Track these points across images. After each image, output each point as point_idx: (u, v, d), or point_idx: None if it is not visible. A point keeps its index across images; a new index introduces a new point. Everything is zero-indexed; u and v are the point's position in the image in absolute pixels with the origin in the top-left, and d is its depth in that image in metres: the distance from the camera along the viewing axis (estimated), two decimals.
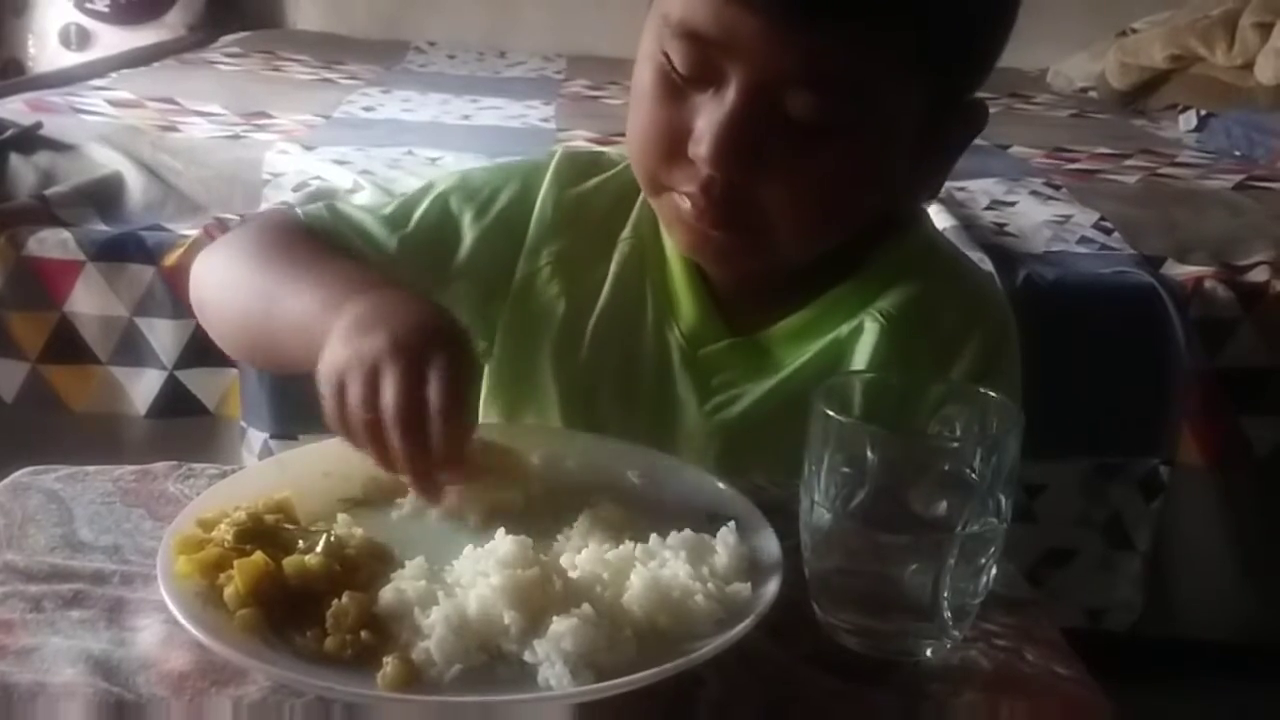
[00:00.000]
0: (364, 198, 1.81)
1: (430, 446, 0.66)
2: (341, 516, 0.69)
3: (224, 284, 0.89)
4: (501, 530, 0.63)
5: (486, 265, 0.94)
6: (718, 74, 0.78)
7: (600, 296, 0.94)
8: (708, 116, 0.78)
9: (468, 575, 0.61)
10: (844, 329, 0.90)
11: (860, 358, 0.89)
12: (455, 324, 0.73)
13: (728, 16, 0.75)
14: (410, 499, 0.71)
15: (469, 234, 0.94)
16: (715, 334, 0.92)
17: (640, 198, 0.95)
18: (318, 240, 0.90)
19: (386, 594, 0.61)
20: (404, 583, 0.61)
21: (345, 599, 0.59)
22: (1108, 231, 1.93)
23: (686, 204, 0.82)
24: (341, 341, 0.70)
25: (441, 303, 0.93)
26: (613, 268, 0.94)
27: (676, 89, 0.80)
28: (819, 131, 0.77)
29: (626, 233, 0.95)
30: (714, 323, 0.92)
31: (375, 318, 0.71)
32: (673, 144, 0.81)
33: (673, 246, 0.92)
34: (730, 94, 0.77)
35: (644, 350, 0.93)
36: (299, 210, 0.95)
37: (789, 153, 0.78)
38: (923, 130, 0.82)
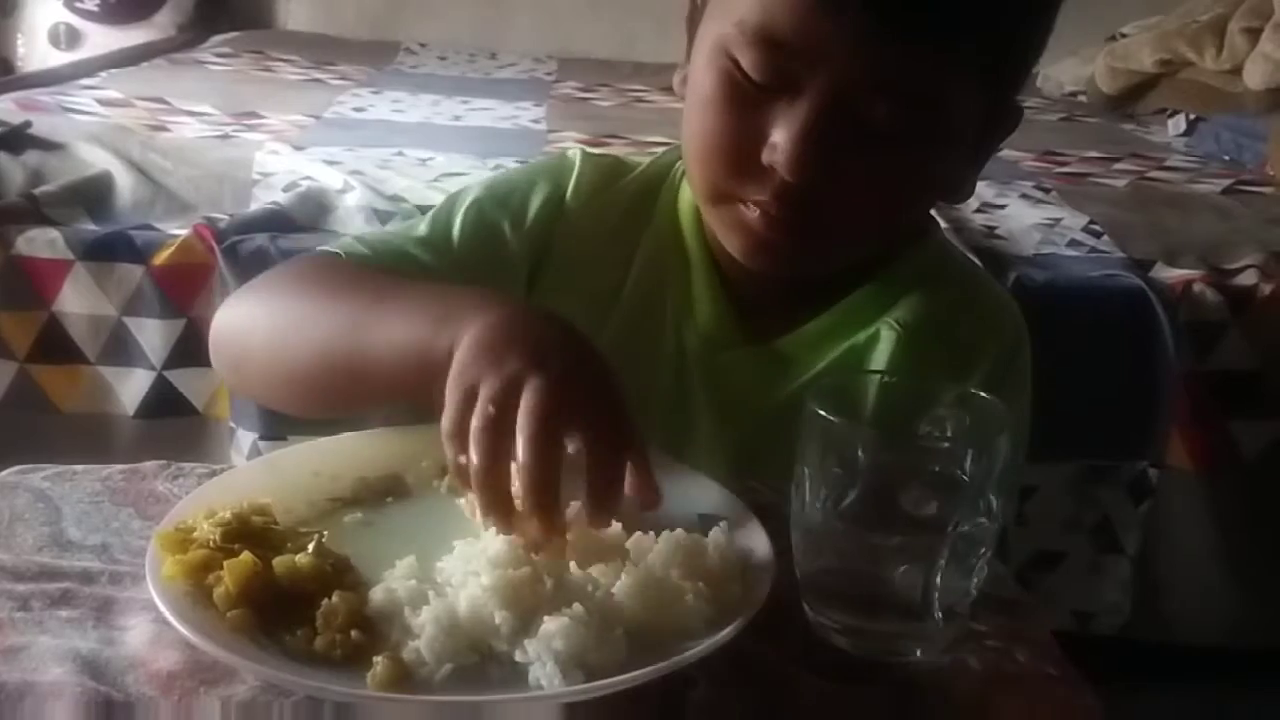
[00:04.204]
0: (354, 198, 1.80)
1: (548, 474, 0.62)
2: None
3: (281, 325, 0.83)
4: (492, 530, 0.63)
5: (526, 270, 0.94)
6: (793, 81, 0.77)
7: (619, 298, 0.94)
8: (785, 124, 0.78)
9: (458, 575, 0.61)
10: (860, 337, 0.91)
11: (876, 367, 0.89)
12: (588, 346, 0.69)
13: (813, 24, 0.75)
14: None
15: (512, 242, 0.93)
16: (732, 337, 0.92)
17: (660, 198, 0.95)
18: (382, 270, 0.85)
19: (377, 594, 0.61)
20: (394, 582, 0.61)
21: (335, 598, 0.59)
22: (1097, 235, 1.94)
23: (754, 212, 0.82)
24: (473, 353, 0.66)
25: None
26: (632, 270, 0.94)
27: (747, 96, 0.80)
28: (891, 138, 0.78)
29: (647, 234, 0.95)
30: (731, 326, 0.92)
31: (506, 333, 0.67)
32: (743, 152, 0.80)
33: (694, 248, 0.92)
34: (809, 101, 0.77)
35: (662, 353, 0.93)
36: (332, 248, 0.90)
37: (862, 160, 0.78)
38: (975, 134, 0.83)
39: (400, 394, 0.74)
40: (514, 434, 0.62)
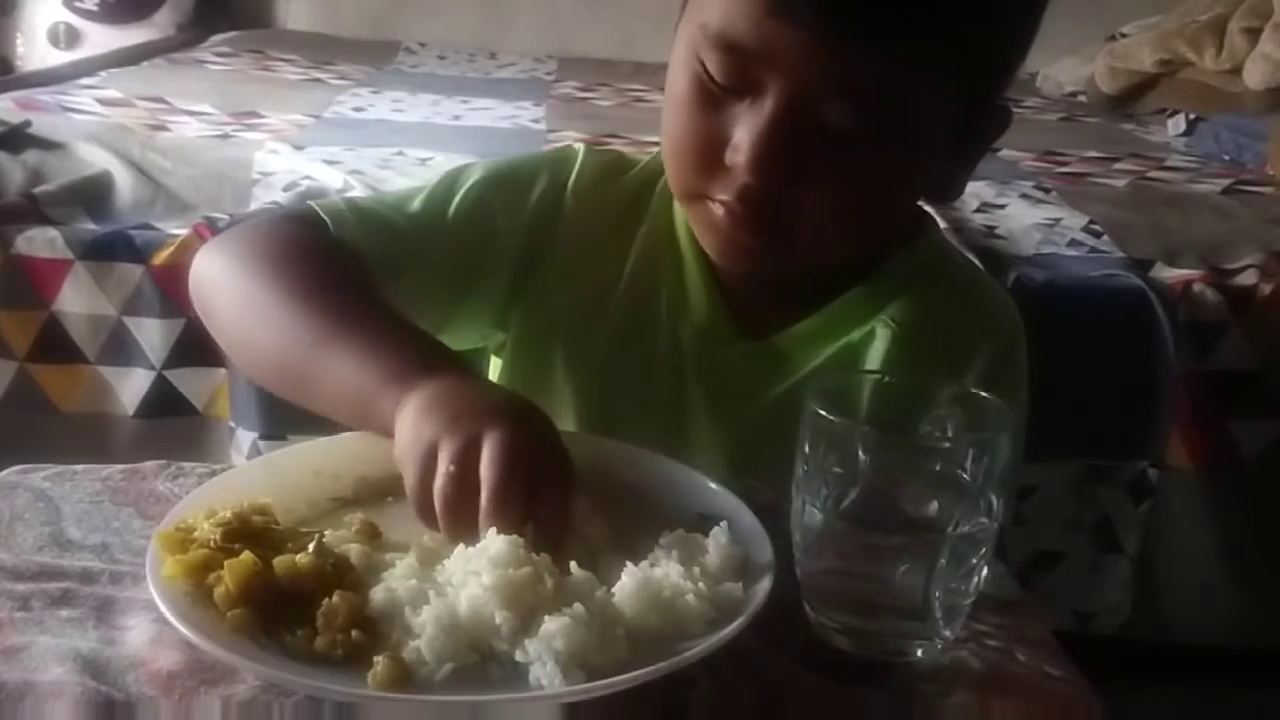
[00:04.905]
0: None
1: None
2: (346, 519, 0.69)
3: (245, 302, 0.83)
4: (493, 530, 0.63)
5: (517, 260, 0.94)
6: (755, 84, 0.78)
7: (615, 295, 0.94)
8: (746, 125, 0.78)
9: (459, 574, 0.61)
10: (855, 335, 0.91)
11: (871, 365, 0.89)
12: (532, 406, 0.71)
13: (768, 29, 0.75)
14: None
15: (504, 229, 0.93)
16: (727, 334, 0.93)
17: (656, 195, 0.95)
18: (355, 272, 0.85)
19: (377, 593, 0.61)
20: (394, 582, 0.61)
21: (336, 598, 0.59)
22: (1097, 234, 1.94)
23: (721, 211, 0.82)
24: (423, 421, 0.68)
25: (472, 300, 0.93)
26: (628, 266, 0.94)
27: (713, 97, 0.80)
28: (855, 141, 0.78)
29: (643, 230, 0.95)
30: (725, 323, 0.92)
31: (453, 400, 0.69)
32: (709, 152, 0.81)
33: (688, 245, 0.92)
34: (768, 103, 0.77)
35: (657, 350, 0.94)
36: (319, 209, 0.90)
37: (825, 161, 0.78)
38: (953, 136, 0.83)
39: (337, 420, 0.76)
40: (477, 488, 0.64)
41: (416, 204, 0.93)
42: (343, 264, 0.86)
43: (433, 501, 0.65)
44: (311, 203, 0.92)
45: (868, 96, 0.76)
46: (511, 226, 0.93)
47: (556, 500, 0.65)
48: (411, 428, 0.68)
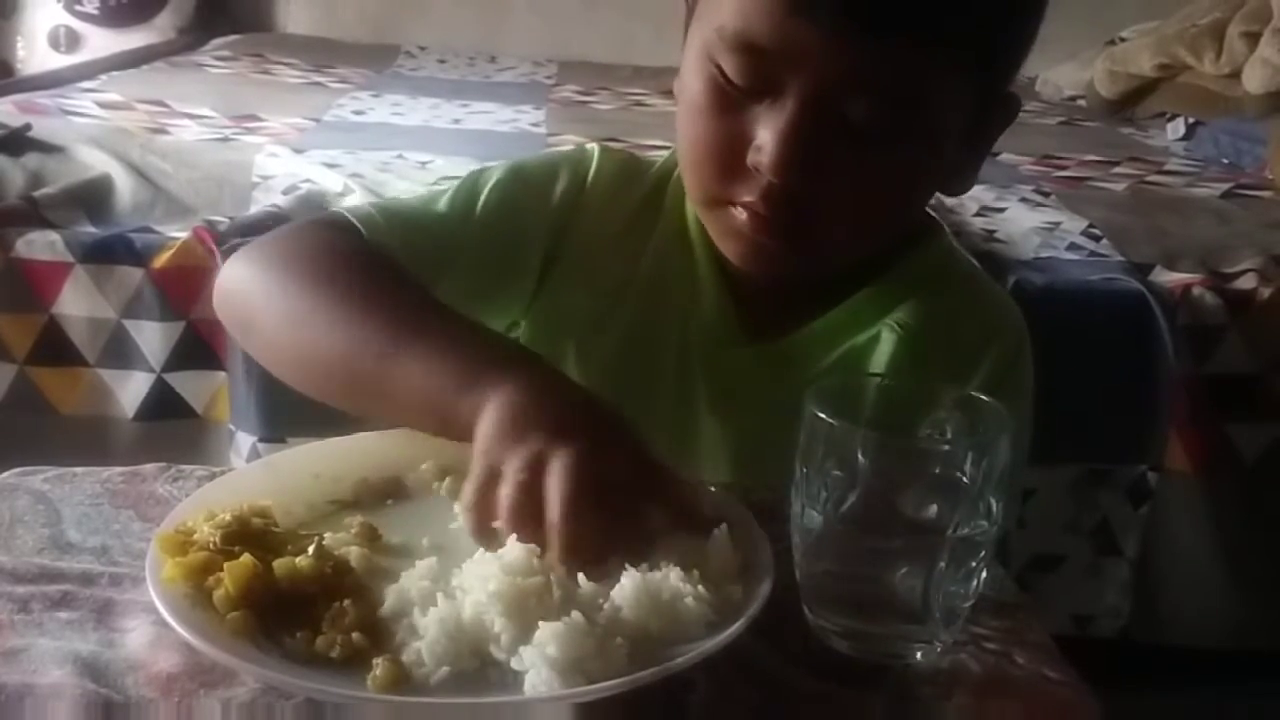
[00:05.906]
0: (354, 201, 1.80)
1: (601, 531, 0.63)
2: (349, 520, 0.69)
3: (297, 315, 0.80)
4: (514, 536, 0.63)
5: (543, 257, 0.94)
6: (775, 84, 0.78)
7: (629, 294, 0.94)
8: (769, 126, 0.78)
9: (471, 579, 0.61)
10: (861, 338, 0.91)
11: (877, 368, 0.89)
12: (618, 414, 0.69)
13: (788, 28, 0.76)
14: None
15: (532, 225, 0.94)
16: (736, 336, 0.93)
17: (669, 194, 0.95)
18: (405, 273, 0.83)
19: (392, 592, 0.61)
20: (409, 581, 0.61)
21: (346, 604, 0.59)
22: (1096, 238, 1.94)
23: (743, 216, 0.82)
24: (503, 426, 0.67)
25: (502, 298, 0.93)
26: (642, 266, 0.95)
27: (731, 100, 0.80)
28: (877, 137, 0.78)
29: (656, 232, 0.95)
30: (735, 324, 0.93)
31: (533, 411, 0.67)
32: (730, 155, 0.81)
33: (700, 245, 0.93)
34: (791, 103, 0.77)
35: (667, 350, 0.94)
36: (349, 215, 0.89)
37: (848, 158, 0.79)
38: (967, 127, 0.83)
39: (417, 428, 0.75)
40: (541, 509, 0.63)
41: (443, 205, 0.93)
42: (391, 267, 0.84)
43: (484, 509, 0.64)
44: (341, 209, 0.92)
45: (889, 92, 0.77)
46: (538, 223, 0.94)
47: (631, 515, 0.64)
48: (484, 436, 0.67)
